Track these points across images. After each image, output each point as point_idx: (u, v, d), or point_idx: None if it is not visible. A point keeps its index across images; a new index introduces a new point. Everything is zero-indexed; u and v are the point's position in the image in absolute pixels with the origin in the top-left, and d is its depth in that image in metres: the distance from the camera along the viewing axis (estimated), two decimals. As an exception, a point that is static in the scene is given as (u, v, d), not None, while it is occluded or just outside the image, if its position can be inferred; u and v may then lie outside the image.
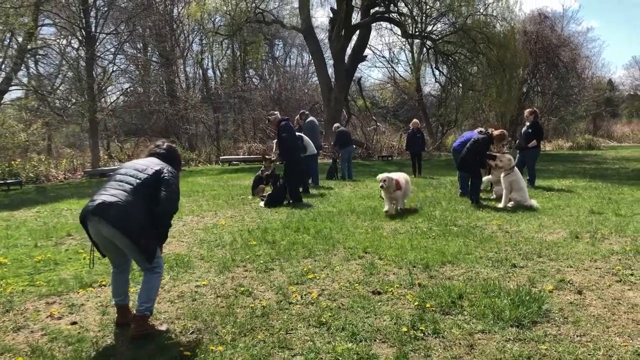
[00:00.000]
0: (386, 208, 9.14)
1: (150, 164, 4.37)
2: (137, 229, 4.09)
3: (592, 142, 34.74)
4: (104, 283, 5.65)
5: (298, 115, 14.84)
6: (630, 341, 3.83)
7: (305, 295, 5.03)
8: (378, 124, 30.63)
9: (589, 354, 3.64)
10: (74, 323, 4.55)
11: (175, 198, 4.27)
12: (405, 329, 4.08)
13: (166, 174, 4.28)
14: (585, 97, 37.66)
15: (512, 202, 9.71)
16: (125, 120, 30.09)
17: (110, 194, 4.16)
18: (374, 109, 35.54)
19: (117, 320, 4.46)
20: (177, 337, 4.16)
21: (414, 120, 17.34)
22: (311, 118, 14.49)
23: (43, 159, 21.50)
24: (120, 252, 4.34)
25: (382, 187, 9.14)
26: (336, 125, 17.12)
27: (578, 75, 35.62)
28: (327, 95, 26.87)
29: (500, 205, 9.74)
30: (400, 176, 9.43)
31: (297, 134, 12.53)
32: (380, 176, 9.22)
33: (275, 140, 12.43)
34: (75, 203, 12.19)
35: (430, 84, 38.81)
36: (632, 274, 5.37)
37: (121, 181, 4.26)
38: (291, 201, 10.83)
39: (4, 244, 7.82)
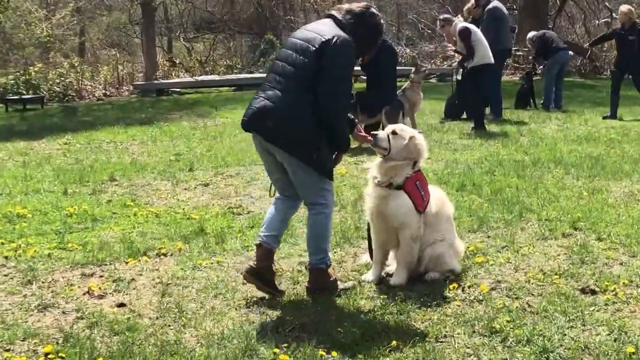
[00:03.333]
0: (367, 261, 5.83)
1: (316, 37, 4.77)
2: (302, 141, 4.73)
3: None
4: (163, 251, 6.23)
5: (472, 1, 14.69)
6: None
7: (469, 287, 5.25)
8: (614, 15, 29.32)
9: None
10: (121, 305, 5.11)
11: (337, 90, 4.76)
12: (632, 350, 4.15)
13: (329, 55, 4.67)
14: None
15: None
16: (195, 6, 31.25)
17: (266, 96, 4.78)
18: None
19: (249, 266, 5.16)
20: (272, 334, 4.52)
21: (624, 7, 15.13)
22: (496, 3, 14.28)
23: (75, 64, 23.01)
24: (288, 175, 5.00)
25: (375, 145, 5.35)
26: (532, 34, 16.70)
27: None
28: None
29: None
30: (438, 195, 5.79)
31: (466, 26, 12.43)
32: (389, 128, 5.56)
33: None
34: (122, 132, 13.23)
35: None
36: None
37: (279, 74, 4.81)
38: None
39: (21, 188, 8.76)
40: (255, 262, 5.14)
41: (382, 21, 5.23)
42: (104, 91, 22.98)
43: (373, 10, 5.10)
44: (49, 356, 4.22)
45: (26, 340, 4.52)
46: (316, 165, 4.78)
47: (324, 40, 4.69)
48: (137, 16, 27.21)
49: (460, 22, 12.73)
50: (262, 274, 5.09)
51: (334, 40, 4.67)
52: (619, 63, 14.96)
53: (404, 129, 5.51)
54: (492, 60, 12.77)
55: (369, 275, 5.51)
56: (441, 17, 13.36)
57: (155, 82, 23.18)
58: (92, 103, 20.72)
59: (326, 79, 4.66)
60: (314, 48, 4.69)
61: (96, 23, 29.83)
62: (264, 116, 4.72)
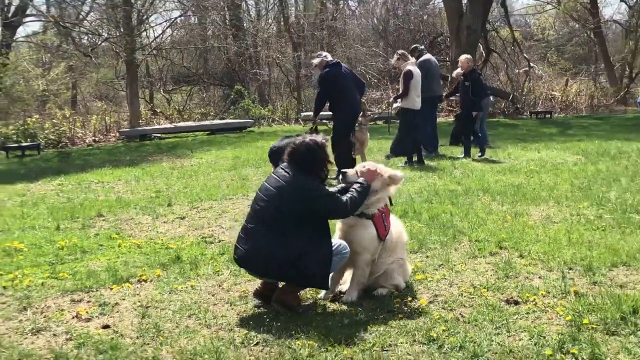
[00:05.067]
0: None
1: (278, 183, 5.16)
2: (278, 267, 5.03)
3: None
4: (144, 277, 6.12)
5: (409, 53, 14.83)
6: None
7: (411, 302, 5.23)
8: (532, 64, 29.84)
9: None
10: (106, 326, 5.00)
11: (339, 204, 5.15)
12: (550, 352, 4.17)
13: (308, 197, 5.08)
14: None
15: None
16: (174, 63, 31.32)
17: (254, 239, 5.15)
18: (527, 43, 34.60)
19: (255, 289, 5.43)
20: (238, 348, 4.47)
21: (463, 56, 14.41)
22: (427, 56, 14.41)
23: (67, 116, 22.92)
24: None
25: (345, 182, 5.55)
26: (457, 71, 16.91)
27: None
28: (455, 23, 26.53)
29: None
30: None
31: (411, 70, 12.42)
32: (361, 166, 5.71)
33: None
34: (108, 173, 13.08)
35: (614, 3, 37.17)
36: None
37: (258, 213, 5.23)
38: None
39: (19, 225, 8.59)
40: (260, 285, 5.35)
41: (319, 153, 5.31)
42: (93, 138, 22.81)
43: (301, 143, 5.27)
44: (41, 375, 4.14)
45: (21, 360, 4.44)
46: (302, 284, 5.18)
47: (286, 185, 5.10)
48: (122, 72, 27.12)
49: (411, 64, 12.64)
50: (267, 295, 5.25)
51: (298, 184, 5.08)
52: (464, 107, 14.11)
53: (371, 166, 5.55)
54: (418, 107, 12.60)
55: (324, 293, 5.46)
56: (399, 51, 13.24)
57: (139, 128, 22.94)
58: (83, 148, 20.51)
59: (318, 209, 5.09)
60: (278, 195, 5.08)
61: (86, 79, 29.75)
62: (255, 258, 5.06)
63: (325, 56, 11.44)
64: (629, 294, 5.11)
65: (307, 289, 5.37)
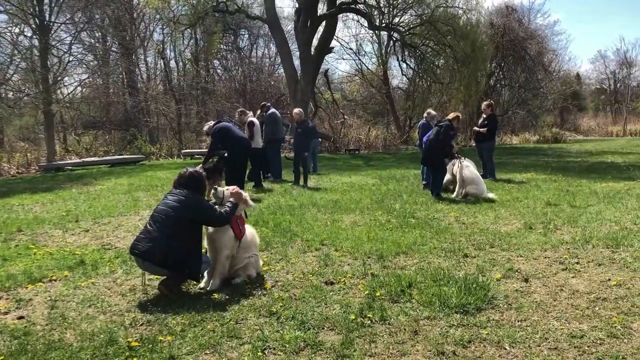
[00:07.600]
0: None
1: (177, 198, 5.15)
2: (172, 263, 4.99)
3: (559, 136, 35.60)
4: (54, 278, 5.68)
5: (259, 108, 14.88)
6: (567, 324, 4.09)
7: (258, 287, 5.19)
8: (345, 117, 30.86)
9: (527, 337, 3.89)
10: (20, 317, 4.60)
11: (218, 216, 5.21)
12: (354, 317, 4.27)
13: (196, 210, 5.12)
14: (552, 91, 38.60)
15: (469, 196, 10.05)
16: (83, 113, 29.59)
17: (151, 237, 5.03)
18: (342, 102, 35.73)
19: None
20: (127, 328, 4.24)
21: (295, 110, 13.77)
22: (272, 110, 14.47)
23: (-5, 153, 21.05)
24: None
25: (215, 196, 5.64)
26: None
27: (545, 68, 36.54)
28: (293, 87, 26.87)
29: (453, 195, 10.17)
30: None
31: (252, 121, 12.57)
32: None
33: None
34: (28, 198, 12.05)
35: (399, 76, 39.28)
36: (577, 262, 5.68)
37: (156, 220, 5.12)
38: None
39: (-50, 240, 7.72)
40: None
41: (201, 180, 5.38)
42: (17, 170, 20.94)
43: (190, 170, 5.39)
44: (-38, 360, 3.72)
45: (-55, 349, 3.96)
46: (182, 273, 5.05)
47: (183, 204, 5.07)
48: (41, 119, 25.17)
49: (251, 117, 12.84)
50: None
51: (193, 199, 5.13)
52: (296, 147, 13.21)
53: (238, 189, 5.62)
54: (260, 146, 12.81)
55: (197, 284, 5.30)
56: (240, 109, 13.36)
57: (54, 163, 21.24)
58: (8, 178, 18.75)
59: (203, 217, 5.14)
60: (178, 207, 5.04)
61: (12, 124, 27.47)
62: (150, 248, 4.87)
63: (209, 123, 11.56)
64: (406, 274, 5.35)
65: (185, 281, 5.20)
